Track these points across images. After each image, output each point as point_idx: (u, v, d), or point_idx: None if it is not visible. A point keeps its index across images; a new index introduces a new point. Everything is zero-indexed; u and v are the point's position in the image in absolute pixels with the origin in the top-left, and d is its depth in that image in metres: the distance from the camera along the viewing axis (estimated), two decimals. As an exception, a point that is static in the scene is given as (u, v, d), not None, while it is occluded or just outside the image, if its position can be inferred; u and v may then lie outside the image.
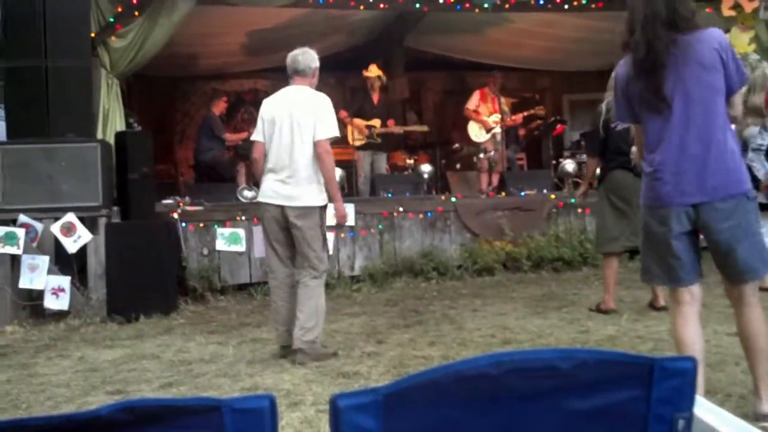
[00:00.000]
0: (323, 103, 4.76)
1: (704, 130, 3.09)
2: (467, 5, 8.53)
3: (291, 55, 4.90)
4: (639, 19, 3.12)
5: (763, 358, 3.17)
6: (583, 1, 8.75)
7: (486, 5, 8.37)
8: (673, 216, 3.15)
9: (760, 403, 3.17)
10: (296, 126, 4.68)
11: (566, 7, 8.86)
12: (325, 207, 4.81)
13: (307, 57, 4.87)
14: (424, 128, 10.94)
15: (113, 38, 7.63)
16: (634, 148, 3.61)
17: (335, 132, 4.77)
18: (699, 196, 3.10)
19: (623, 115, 3.35)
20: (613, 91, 3.36)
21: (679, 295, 3.26)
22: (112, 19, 7.56)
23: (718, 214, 3.10)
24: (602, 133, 5.85)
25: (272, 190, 4.77)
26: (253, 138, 5.02)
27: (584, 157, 8.40)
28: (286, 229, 4.77)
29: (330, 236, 7.43)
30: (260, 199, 4.89)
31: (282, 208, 4.72)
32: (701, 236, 3.23)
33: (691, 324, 3.22)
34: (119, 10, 7.57)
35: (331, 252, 7.42)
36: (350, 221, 7.75)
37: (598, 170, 6.16)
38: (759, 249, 3.18)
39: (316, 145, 4.66)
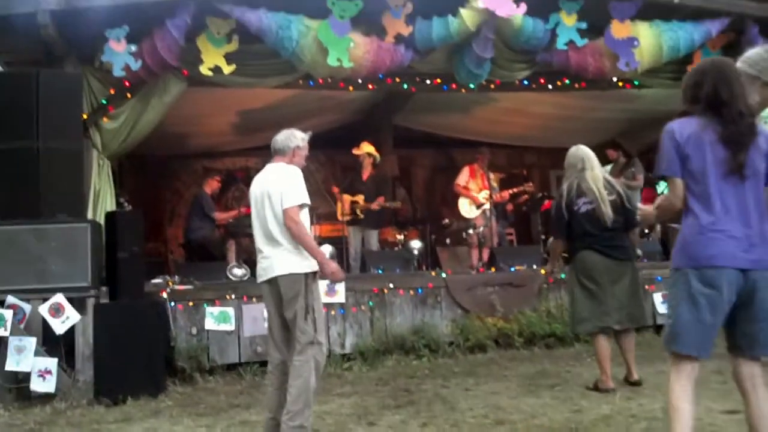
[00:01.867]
0: (290, 173, 4.78)
1: (762, 206, 3.29)
2: (454, 86, 8.71)
3: (274, 137, 5.02)
4: (734, 92, 3.31)
5: None
6: (567, 81, 8.94)
7: (472, 85, 8.55)
8: (724, 279, 3.20)
9: None
10: (267, 201, 4.74)
11: (550, 87, 9.05)
12: (312, 275, 4.70)
13: (286, 137, 4.97)
14: (397, 204, 10.93)
15: (105, 119, 7.75)
16: (642, 206, 3.65)
17: (301, 200, 4.68)
18: (753, 261, 3.21)
19: (675, 169, 3.36)
20: (662, 146, 3.40)
21: (688, 367, 3.29)
22: (104, 101, 7.69)
23: (766, 282, 3.21)
24: (566, 215, 5.90)
25: (261, 268, 4.80)
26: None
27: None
28: (280, 307, 4.73)
29: (322, 314, 7.43)
30: (257, 280, 4.90)
31: (271, 283, 4.72)
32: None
33: (691, 397, 3.27)
34: (112, 92, 7.70)
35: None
36: (341, 298, 7.74)
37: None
38: None
39: (283, 214, 4.66)
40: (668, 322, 3.41)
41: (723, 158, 3.27)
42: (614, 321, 5.78)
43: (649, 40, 8.21)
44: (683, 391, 3.25)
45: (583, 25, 8.10)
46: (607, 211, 5.76)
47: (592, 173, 5.87)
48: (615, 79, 8.84)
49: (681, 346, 3.32)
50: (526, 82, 8.90)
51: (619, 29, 8.15)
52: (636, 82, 9.11)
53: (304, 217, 4.78)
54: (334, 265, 4.79)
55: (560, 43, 8.13)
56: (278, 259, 4.69)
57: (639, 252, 8.42)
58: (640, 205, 3.63)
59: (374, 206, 9.72)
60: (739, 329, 3.29)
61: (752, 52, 3.74)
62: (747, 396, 3.26)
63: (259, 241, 4.82)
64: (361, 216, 9.81)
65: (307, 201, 4.74)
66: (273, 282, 4.71)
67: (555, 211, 6.10)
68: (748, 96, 3.36)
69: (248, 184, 5.08)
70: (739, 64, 3.64)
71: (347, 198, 9.84)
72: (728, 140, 3.28)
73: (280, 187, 4.72)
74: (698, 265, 3.26)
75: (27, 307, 6.47)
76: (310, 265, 4.69)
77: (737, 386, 3.36)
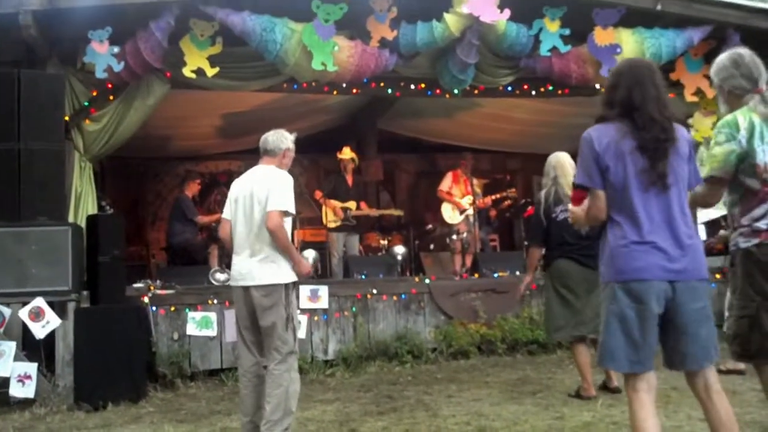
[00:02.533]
0: (280, 178, 4.72)
1: (686, 214, 3.23)
2: (438, 91, 8.71)
3: (264, 135, 4.96)
4: (644, 95, 3.22)
5: None
6: (550, 88, 8.97)
7: (456, 90, 8.56)
8: (652, 293, 3.13)
9: None
10: (256, 203, 4.67)
11: (533, 93, 9.08)
12: (291, 285, 4.67)
13: (278, 137, 4.92)
14: (399, 212, 11.02)
15: (87, 121, 7.67)
16: (573, 207, 3.53)
17: (287, 207, 4.63)
18: (679, 273, 3.15)
19: (591, 179, 3.26)
20: (581, 155, 3.31)
21: (639, 383, 3.20)
22: (86, 103, 7.62)
23: (692, 294, 3.15)
24: (543, 222, 5.90)
25: (238, 272, 4.74)
26: (222, 216, 5.02)
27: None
28: (252, 313, 4.69)
29: (303, 319, 7.41)
30: (230, 282, 4.88)
31: (247, 289, 4.67)
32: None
33: (651, 413, 3.17)
34: (94, 93, 7.63)
35: (303, 336, 7.37)
36: (323, 304, 7.72)
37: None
38: (713, 334, 3.24)
39: (266, 217, 4.59)
40: (600, 339, 3.32)
41: (643, 168, 3.17)
42: (589, 330, 5.66)
43: (631, 46, 8.24)
44: (642, 408, 3.16)
45: (567, 32, 8.13)
46: None
47: (567, 180, 5.80)
48: (598, 86, 8.86)
49: (613, 364, 3.28)
50: (509, 88, 8.92)
51: (602, 36, 8.19)
52: (619, 89, 9.13)
53: (287, 225, 4.72)
54: (307, 265, 4.87)
55: (543, 50, 8.16)
56: (258, 268, 4.63)
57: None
58: (570, 206, 3.51)
59: (373, 213, 9.73)
60: (668, 344, 3.22)
61: (717, 60, 3.71)
62: (703, 405, 3.24)
63: (240, 243, 4.75)
64: (354, 222, 9.81)
65: (292, 210, 4.68)
66: (249, 289, 4.65)
67: (533, 218, 6.11)
68: (665, 99, 3.26)
69: (230, 187, 5.02)
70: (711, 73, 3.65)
71: (335, 203, 9.81)
72: (646, 149, 3.18)
73: (268, 190, 4.65)
74: (625, 278, 3.19)
75: (7, 311, 6.39)
76: (290, 275, 4.65)
77: (695, 396, 3.31)
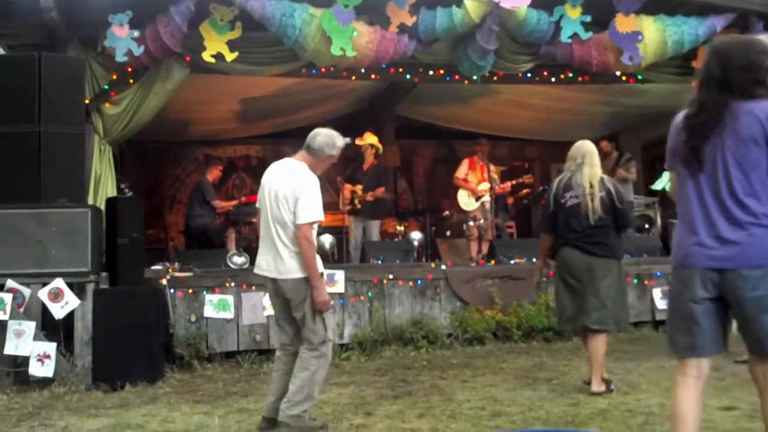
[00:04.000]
0: (309, 184, 4.60)
1: (733, 198, 3.06)
2: (457, 77, 8.69)
3: (316, 130, 4.83)
4: (701, 78, 3.20)
5: None
6: (570, 75, 8.92)
7: (475, 77, 8.52)
8: (697, 279, 3.10)
9: None
10: (282, 200, 4.59)
11: (553, 79, 9.04)
12: (320, 276, 4.68)
13: (327, 140, 4.76)
14: (391, 196, 10.88)
15: (107, 105, 7.73)
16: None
17: (317, 216, 4.56)
18: (725, 261, 3.06)
19: (669, 161, 3.31)
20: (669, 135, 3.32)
21: (688, 367, 3.19)
22: (106, 86, 7.67)
23: (746, 283, 3.03)
24: (551, 206, 5.73)
25: (265, 262, 4.71)
26: (257, 204, 4.98)
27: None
28: (282, 302, 4.71)
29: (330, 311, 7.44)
30: (255, 270, 4.83)
31: (275, 281, 4.67)
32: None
33: (694, 399, 3.14)
34: (114, 77, 7.69)
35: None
36: (340, 288, 7.75)
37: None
38: None
39: (296, 228, 4.53)
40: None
41: (684, 151, 3.16)
42: (592, 321, 5.48)
43: (653, 34, 8.18)
44: (686, 392, 3.15)
45: (588, 18, 8.07)
46: (595, 207, 5.51)
47: (591, 170, 5.63)
48: (618, 74, 8.81)
49: (671, 348, 3.28)
50: (529, 75, 8.88)
51: (623, 23, 8.12)
52: (639, 77, 9.07)
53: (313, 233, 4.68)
54: (326, 295, 4.63)
55: (564, 36, 8.10)
56: (283, 262, 4.59)
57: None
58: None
59: (368, 197, 9.70)
60: (740, 329, 3.18)
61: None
62: (761, 393, 3.18)
63: (265, 233, 4.72)
64: (359, 206, 9.81)
65: (322, 218, 4.61)
66: (276, 281, 4.65)
67: (544, 204, 5.96)
68: (733, 78, 3.08)
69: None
70: None
71: (348, 187, 9.85)
72: (686, 128, 3.16)
73: (295, 195, 4.55)
74: (676, 264, 3.22)
75: (26, 292, 6.48)
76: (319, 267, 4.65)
77: (754, 383, 3.27)
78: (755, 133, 3.02)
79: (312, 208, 4.54)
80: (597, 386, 5.40)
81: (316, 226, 4.69)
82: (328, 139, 4.76)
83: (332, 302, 4.84)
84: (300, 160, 4.75)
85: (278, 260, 4.61)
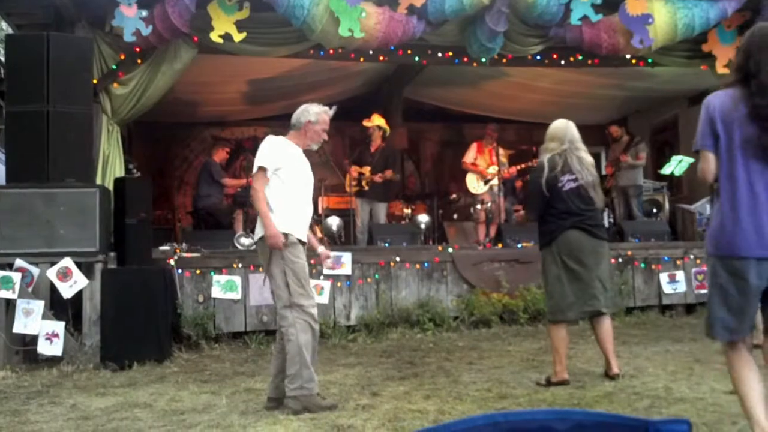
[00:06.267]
0: (263, 142, 4.92)
1: None
2: (465, 59, 8.65)
3: None
4: (764, 62, 3.10)
5: None
6: (580, 57, 8.87)
7: (484, 59, 8.48)
8: (752, 269, 3.10)
9: None
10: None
11: (563, 62, 8.99)
12: (286, 236, 4.70)
13: (300, 111, 5.01)
14: (395, 177, 10.81)
15: (115, 85, 7.73)
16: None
17: (257, 163, 4.80)
18: None
19: (702, 140, 3.25)
20: (700, 118, 3.25)
21: (740, 346, 3.22)
22: (114, 66, 7.66)
23: None
24: (546, 192, 5.38)
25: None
26: None
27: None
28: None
29: (327, 285, 7.48)
30: None
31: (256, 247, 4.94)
32: None
33: (756, 371, 3.19)
34: (122, 57, 7.67)
35: (326, 301, 7.45)
36: (347, 270, 7.77)
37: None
38: None
39: None
40: (706, 311, 3.35)
41: (748, 137, 3.09)
42: (602, 305, 5.36)
43: (663, 17, 8.11)
44: (746, 365, 3.17)
45: (598, 1, 8.00)
46: (597, 190, 5.44)
47: (586, 154, 5.45)
48: (628, 57, 8.75)
49: (715, 333, 3.28)
50: (538, 57, 8.84)
51: (634, 6, 8.06)
52: (649, 60, 9.01)
53: (290, 184, 4.78)
54: (274, 230, 4.66)
55: (574, 19, 8.04)
56: (257, 226, 4.87)
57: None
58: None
59: (377, 178, 9.68)
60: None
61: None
62: None
63: None
64: (366, 188, 9.79)
65: (263, 164, 4.77)
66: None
67: (533, 186, 5.55)
68: None
69: (256, 153, 5.07)
70: None
71: (355, 169, 9.84)
72: (756, 116, 3.08)
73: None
74: (723, 254, 3.18)
75: (35, 271, 6.52)
76: (285, 228, 4.70)
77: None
78: None
79: (257, 159, 4.82)
80: (617, 367, 5.36)
81: (286, 183, 4.79)
82: (301, 109, 5.01)
83: (279, 245, 4.68)
84: (286, 137, 5.01)
85: (257, 225, 4.90)
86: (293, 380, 4.60)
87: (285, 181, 4.79)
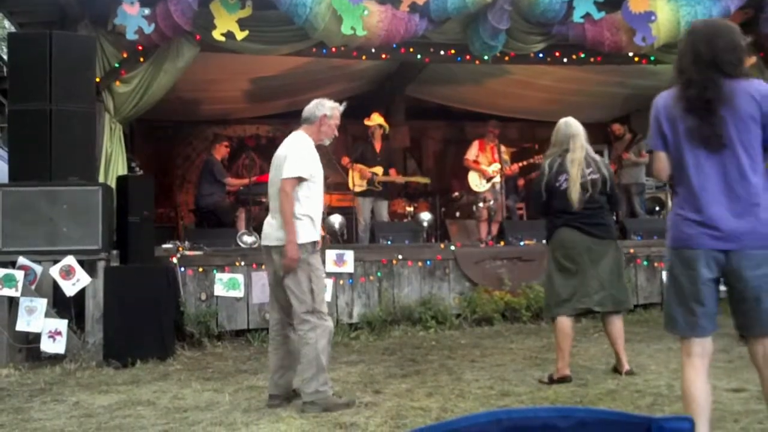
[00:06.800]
0: (296, 143, 4.81)
1: (740, 177, 3.10)
2: (468, 57, 8.64)
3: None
4: (690, 58, 3.18)
5: None
6: (582, 55, 8.85)
7: (486, 57, 8.48)
8: (702, 260, 3.11)
9: None
10: (277, 168, 4.80)
11: (565, 60, 8.97)
12: (310, 245, 4.71)
13: (314, 105, 4.96)
14: (426, 180, 10.99)
15: (118, 83, 7.73)
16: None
17: (297, 172, 4.66)
18: (732, 242, 3.08)
19: (651, 140, 3.33)
20: (651, 119, 3.31)
21: (693, 347, 3.20)
22: (117, 65, 7.67)
23: (750, 262, 3.06)
24: (544, 194, 5.46)
25: (265, 233, 4.89)
26: None
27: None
28: (276, 272, 4.82)
29: (329, 283, 7.47)
30: (262, 242, 5.02)
31: (271, 249, 4.78)
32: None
33: (702, 378, 3.16)
34: (124, 55, 7.68)
35: (329, 299, 7.44)
36: (349, 268, 7.77)
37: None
38: None
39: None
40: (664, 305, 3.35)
41: (689, 130, 3.15)
42: (594, 303, 5.37)
43: (666, 15, 8.10)
44: (693, 372, 3.16)
45: (601, -1, 8.01)
46: (586, 189, 5.35)
47: (573, 155, 5.40)
48: (631, 54, 8.73)
49: (671, 328, 3.30)
50: (541, 55, 8.82)
51: (636, 3, 8.05)
52: (652, 58, 9.00)
53: (316, 190, 4.77)
54: (294, 253, 4.61)
55: (577, 16, 8.04)
56: (277, 229, 4.74)
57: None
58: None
59: (399, 180, 9.67)
60: (733, 310, 3.19)
61: None
62: (760, 372, 3.19)
63: (270, 204, 4.95)
64: (379, 188, 9.80)
65: (303, 174, 4.67)
66: (272, 249, 4.78)
67: (533, 189, 5.72)
68: (722, 58, 3.12)
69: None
70: None
71: (363, 167, 9.79)
72: (690, 109, 3.15)
73: (286, 155, 4.75)
74: (677, 245, 3.20)
75: (38, 269, 6.53)
76: (307, 236, 4.69)
77: (753, 363, 3.28)
78: (753, 112, 3.09)
79: (295, 165, 4.69)
80: (628, 365, 5.39)
81: (320, 187, 4.82)
82: (315, 103, 4.97)
83: (292, 268, 4.68)
84: (299, 131, 4.94)
85: (274, 228, 4.77)
86: (308, 384, 4.60)
87: (311, 187, 4.77)
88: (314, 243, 4.74)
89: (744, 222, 3.08)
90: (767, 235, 3.09)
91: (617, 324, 5.45)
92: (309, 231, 4.71)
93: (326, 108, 4.93)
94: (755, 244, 3.07)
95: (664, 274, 8.59)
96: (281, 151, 4.86)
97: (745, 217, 3.08)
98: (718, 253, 3.10)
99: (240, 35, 7.60)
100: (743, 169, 3.10)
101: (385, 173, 9.87)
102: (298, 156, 4.72)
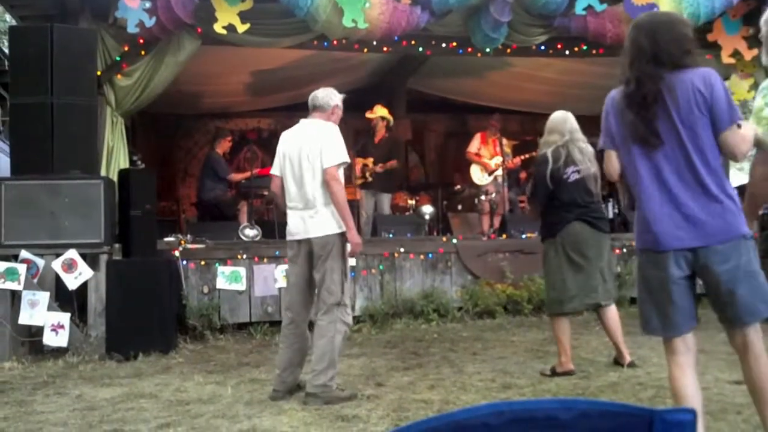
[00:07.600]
0: (330, 131, 4.78)
1: (692, 171, 3.04)
2: (469, 49, 8.62)
3: (313, 93, 5.00)
4: (630, 54, 3.16)
5: None
6: (584, 47, 8.83)
7: (488, 49, 8.46)
8: (670, 260, 3.06)
9: None
10: (305, 158, 4.74)
11: (567, 52, 8.96)
12: (341, 236, 4.73)
13: (327, 93, 4.96)
14: (393, 164, 10.74)
15: (119, 76, 7.72)
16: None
17: (342, 158, 4.71)
18: (696, 240, 3.02)
19: (605, 140, 3.29)
20: (602, 118, 3.28)
21: (674, 345, 3.14)
22: (118, 58, 7.65)
23: (718, 257, 3.01)
24: (550, 184, 5.36)
25: (294, 226, 4.84)
26: (271, 172, 5.12)
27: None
28: (305, 267, 4.80)
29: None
30: (288, 238, 4.94)
31: (301, 242, 4.77)
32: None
33: (689, 375, 3.12)
34: (126, 49, 7.67)
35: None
36: (351, 261, 7.75)
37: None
38: (760, 290, 3.04)
39: (324, 173, 4.67)
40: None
41: (633, 126, 3.10)
42: (601, 297, 5.38)
43: (668, 6, 8.07)
44: (679, 370, 3.11)
45: (603, -9, 7.98)
46: (598, 183, 5.44)
47: (587, 145, 5.44)
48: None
49: (649, 330, 3.23)
50: (542, 48, 8.81)
51: (639, -5, 8.03)
52: (654, 50, 8.96)
53: (343, 178, 4.80)
54: (358, 237, 4.80)
55: (579, 8, 8.02)
56: (314, 220, 4.71)
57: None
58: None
59: (378, 168, 9.65)
60: (712, 304, 3.14)
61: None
62: (741, 361, 3.14)
63: (292, 198, 4.84)
64: (370, 179, 9.78)
65: (347, 159, 4.76)
66: (305, 242, 4.75)
67: (538, 178, 5.48)
68: (663, 51, 3.08)
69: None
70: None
71: (359, 161, 9.82)
72: (631, 105, 3.11)
73: (319, 144, 4.71)
74: (643, 247, 3.16)
75: (40, 262, 6.53)
76: (342, 226, 4.72)
77: (737, 353, 3.24)
78: (698, 100, 3.02)
79: (336, 151, 4.70)
80: (629, 356, 5.38)
81: (343, 174, 4.82)
82: (327, 92, 4.97)
83: (360, 248, 4.96)
84: (315, 119, 4.91)
85: (307, 220, 4.73)
86: (319, 377, 4.59)
87: (341, 175, 4.81)
88: (343, 234, 4.76)
89: (704, 217, 3.02)
90: (730, 228, 3.02)
91: (613, 315, 5.43)
92: (339, 222, 4.74)
93: (338, 98, 4.97)
94: (719, 239, 3.01)
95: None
96: (309, 139, 4.78)
97: (705, 212, 3.02)
98: (686, 251, 3.05)
99: (241, 28, 7.58)
100: (693, 163, 3.03)
101: (377, 164, 9.80)
102: (335, 142, 4.74)
